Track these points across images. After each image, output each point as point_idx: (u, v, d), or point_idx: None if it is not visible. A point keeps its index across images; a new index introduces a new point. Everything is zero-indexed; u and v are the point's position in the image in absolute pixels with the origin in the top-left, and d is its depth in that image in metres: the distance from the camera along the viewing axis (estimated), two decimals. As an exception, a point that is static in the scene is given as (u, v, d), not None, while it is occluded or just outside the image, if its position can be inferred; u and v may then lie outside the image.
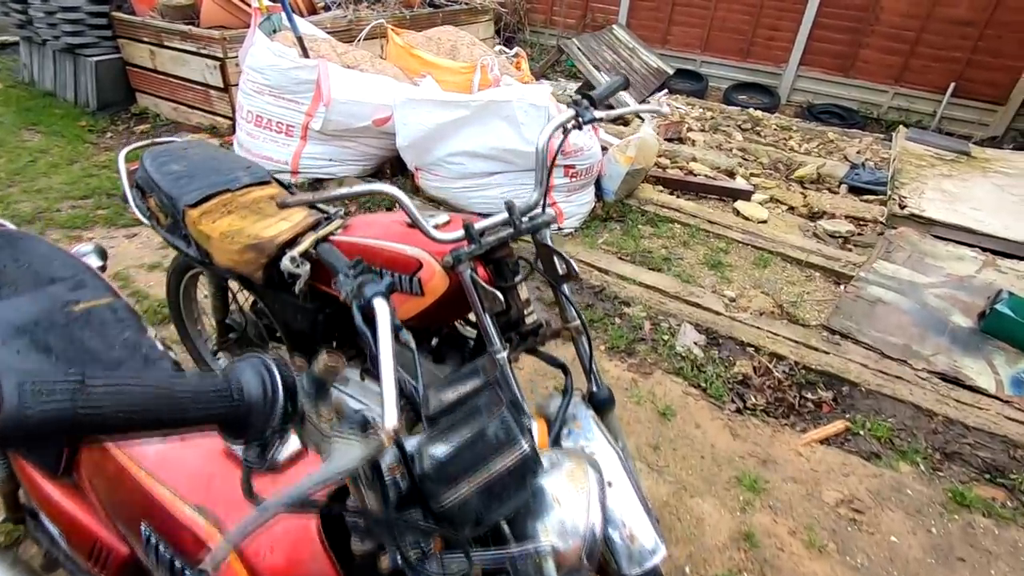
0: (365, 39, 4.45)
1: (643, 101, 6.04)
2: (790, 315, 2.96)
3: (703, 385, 2.45)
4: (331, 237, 1.45)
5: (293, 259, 1.38)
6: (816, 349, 2.68)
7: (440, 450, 0.60)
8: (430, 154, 3.40)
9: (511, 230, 1.21)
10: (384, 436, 0.55)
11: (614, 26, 6.97)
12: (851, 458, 2.15)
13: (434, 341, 1.53)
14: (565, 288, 1.25)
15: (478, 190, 3.39)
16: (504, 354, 1.22)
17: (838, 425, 2.30)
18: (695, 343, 2.69)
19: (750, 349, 2.64)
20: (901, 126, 5.80)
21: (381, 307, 0.86)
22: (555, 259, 1.19)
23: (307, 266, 1.40)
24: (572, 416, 1.25)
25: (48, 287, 1.21)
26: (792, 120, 6.02)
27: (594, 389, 1.31)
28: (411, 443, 0.66)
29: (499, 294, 1.10)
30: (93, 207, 3.49)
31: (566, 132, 1.30)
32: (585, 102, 1.28)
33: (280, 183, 1.75)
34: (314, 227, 1.50)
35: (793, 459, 2.13)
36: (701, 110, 6.11)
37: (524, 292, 1.28)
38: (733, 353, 2.64)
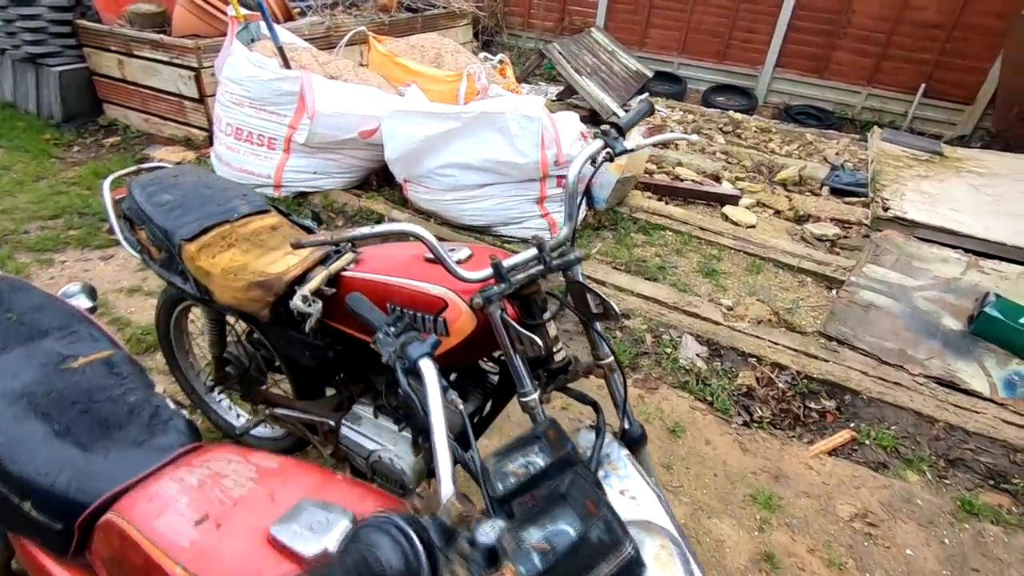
0: (344, 46, 4.34)
1: (624, 105, 6.05)
2: (787, 322, 2.98)
3: (709, 399, 2.44)
4: (343, 273, 1.38)
5: (305, 298, 1.31)
6: (816, 357, 2.70)
7: (539, 556, 0.54)
8: (420, 166, 3.32)
9: (541, 267, 1.16)
10: (508, 573, 0.49)
11: (592, 29, 6.96)
12: (860, 469, 2.17)
13: (452, 376, 1.47)
14: (597, 325, 1.20)
15: (470, 202, 3.33)
16: (536, 395, 1.17)
17: (844, 435, 2.31)
18: (697, 355, 2.68)
19: (752, 359, 2.65)
20: (875, 126, 5.92)
21: (429, 370, 0.80)
22: (588, 297, 1.15)
23: (319, 304, 1.33)
24: (607, 456, 1.21)
25: (41, 341, 1.12)
26: (771, 122, 6.10)
27: (626, 426, 1.27)
28: (487, 534, 0.61)
29: (537, 339, 1.05)
30: (64, 227, 3.31)
31: (596, 164, 1.25)
32: (614, 132, 1.24)
33: (279, 211, 1.67)
34: (323, 261, 1.42)
35: (804, 473, 2.14)
36: (682, 113, 6.14)
37: (552, 329, 1.23)
38: (735, 364, 2.63)
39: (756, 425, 2.36)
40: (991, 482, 2.15)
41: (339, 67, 3.62)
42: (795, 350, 2.73)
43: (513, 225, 3.38)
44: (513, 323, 1.10)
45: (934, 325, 2.99)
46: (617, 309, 1.11)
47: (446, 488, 0.71)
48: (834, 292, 3.28)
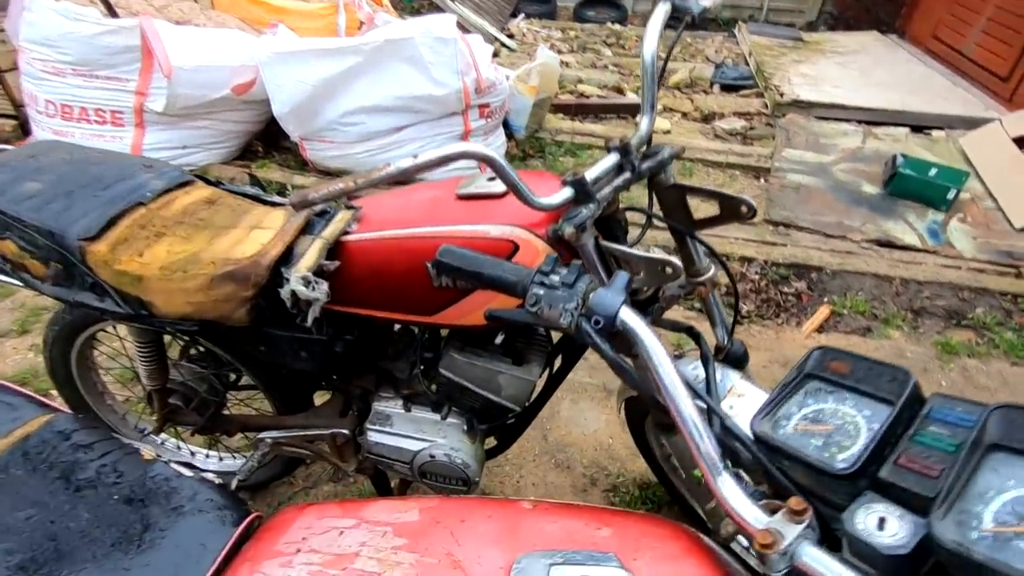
0: (175, -11, 3.52)
1: (503, 29, 5.70)
2: (735, 217, 3.00)
3: (698, 307, 2.38)
4: (345, 238, 1.03)
5: (307, 280, 0.95)
6: (774, 244, 2.75)
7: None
8: (319, 117, 2.82)
9: (628, 175, 0.92)
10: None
11: (448, -49, 6.41)
12: (851, 338, 2.25)
13: (498, 339, 1.20)
14: (697, 234, 1.00)
15: (386, 151, 2.91)
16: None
17: (824, 311, 2.39)
18: (670, 266, 2.61)
19: (722, 258, 2.62)
20: (739, 22, 6.15)
21: (637, 322, 0.55)
22: (689, 199, 0.93)
23: (325, 285, 0.98)
24: (725, 386, 1.05)
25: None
26: (647, 29, 6.09)
27: (727, 345, 1.11)
28: (894, 535, 0.40)
29: (675, 260, 0.82)
30: None
31: (677, 32, 1.01)
32: None
33: (208, 180, 1.24)
34: (307, 228, 1.06)
35: (806, 354, 2.17)
36: (561, 32, 5.92)
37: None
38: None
39: (747, 320, 2.35)
40: (954, 322, 2.33)
41: (183, 11, 2.92)
42: (755, 241, 2.75)
43: (440, 170, 3.03)
44: (627, 248, 0.87)
45: (857, 193, 3.18)
46: (752, 201, 0.92)
47: (739, 501, 0.48)
48: (762, 180, 3.37)
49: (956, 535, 0.38)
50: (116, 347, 1.56)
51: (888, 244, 2.80)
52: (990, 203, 3.04)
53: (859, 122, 3.86)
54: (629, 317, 0.55)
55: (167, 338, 1.37)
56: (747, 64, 5.18)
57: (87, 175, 1.15)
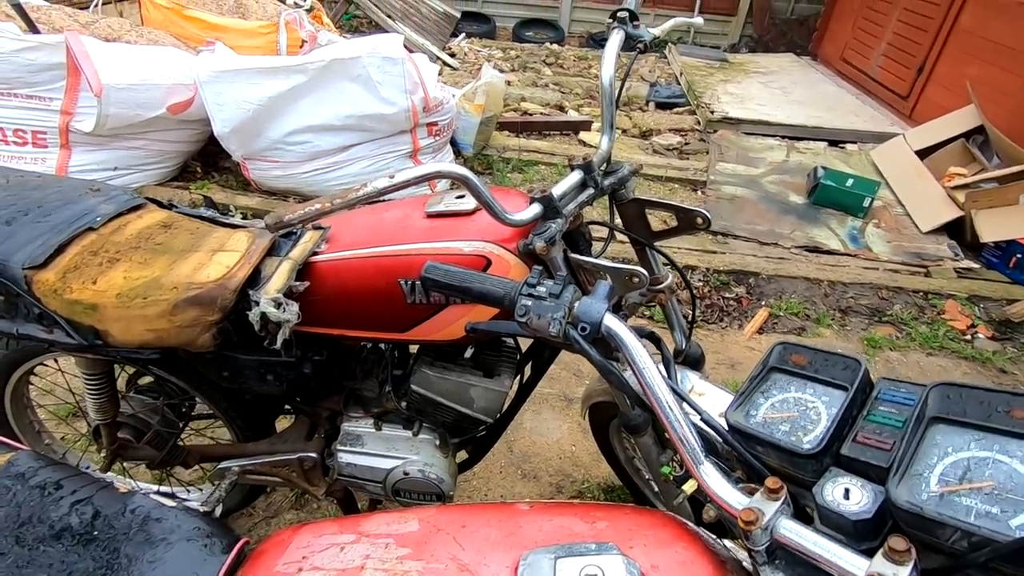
0: (100, 4, 3.38)
1: (444, 48, 5.77)
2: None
3: (648, 315, 2.48)
4: (314, 258, 1.03)
5: (277, 301, 0.95)
6: (714, 252, 2.91)
7: (990, 499, 0.41)
8: (262, 137, 2.77)
9: (592, 191, 0.97)
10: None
11: (386, -30, 6.43)
12: (788, 338, 2.40)
13: (468, 353, 1.22)
14: (656, 245, 1.07)
15: (334, 170, 2.89)
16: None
17: (763, 314, 2.54)
18: (619, 276, 2.71)
19: (666, 267, 2.75)
20: (670, 43, 6.49)
21: (620, 328, 0.59)
22: (648, 213, 1.00)
23: (295, 307, 0.98)
24: (687, 386, 1.11)
25: None
26: (584, 50, 6.32)
27: (686, 348, 1.18)
28: (860, 502, 0.45)
29: (642, 270, 0.87)
30: None
31: (631, 59, 1.07)
32: (629, 19, 1.06)
33: (160, 204, 1.20)
34: (272, 250, 1.05)
35: (749, 355, 2.30)
36: (502, 51, 6.06)
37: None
38: (654, 276, 2.72)
39: (694, 325, 2.47)
40: (876, 319, 2.54)
41: (112, 27, 2.79)
42: (697, 250, 2.90)
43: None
44: (594, 260, 0.91)
45: (785, 203, 3.41)
46: (708, 213, 0.99)
47: (721, 486, 0.53)
48: (699, 193, 3.56)
49: (909, 497, 0.44)
50: (50, 381, 1.47)
51: (815, 249, 3.02)
52: (900, 209, 3.34)
53: (783, 137, 4.15)
54: (613, 323, 0.60)
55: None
56: (679, 83, 5.47)
57: (27, 201, 1.10)
